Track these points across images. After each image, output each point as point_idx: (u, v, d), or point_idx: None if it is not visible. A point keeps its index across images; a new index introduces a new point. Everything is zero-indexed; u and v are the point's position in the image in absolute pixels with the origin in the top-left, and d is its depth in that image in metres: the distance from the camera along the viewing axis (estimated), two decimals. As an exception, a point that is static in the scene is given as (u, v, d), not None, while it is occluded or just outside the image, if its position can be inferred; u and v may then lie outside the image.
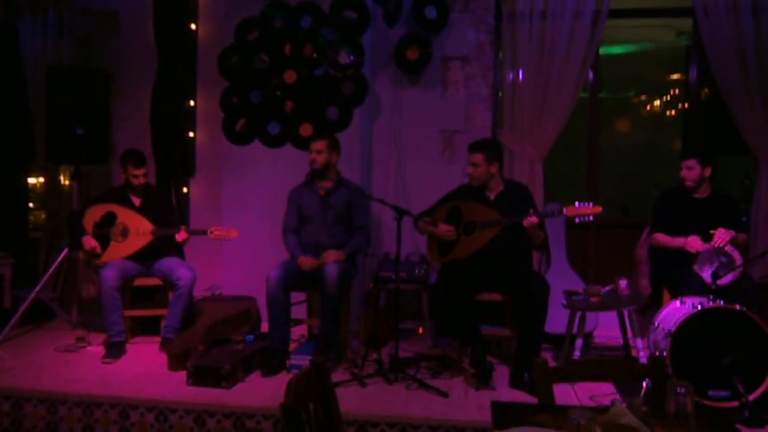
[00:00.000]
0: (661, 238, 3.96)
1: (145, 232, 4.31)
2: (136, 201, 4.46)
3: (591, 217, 3.62)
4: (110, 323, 4.15)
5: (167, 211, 4.59)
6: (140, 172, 4.37)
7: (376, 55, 5.06)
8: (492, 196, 3.98)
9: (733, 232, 3.71)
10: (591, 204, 3.63)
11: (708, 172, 3.90)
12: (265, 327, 4.32)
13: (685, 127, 5.44)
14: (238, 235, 4.28)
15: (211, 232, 4.27)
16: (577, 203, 3.65)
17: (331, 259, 3.94)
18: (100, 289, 4.17)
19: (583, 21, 4.76)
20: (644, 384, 2.73)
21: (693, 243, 3.76)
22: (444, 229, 3.96)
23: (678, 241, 3.84)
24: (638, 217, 5.31)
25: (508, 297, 3.91)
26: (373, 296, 4.42)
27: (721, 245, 3.67)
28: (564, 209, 3.65)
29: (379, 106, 5.10)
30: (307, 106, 4.95)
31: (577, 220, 3.65)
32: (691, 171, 3.90)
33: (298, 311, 4.47)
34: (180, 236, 4.29)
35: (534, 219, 3.66)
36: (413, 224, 4.08)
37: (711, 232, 3.74)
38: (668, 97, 7.03)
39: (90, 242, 4.28)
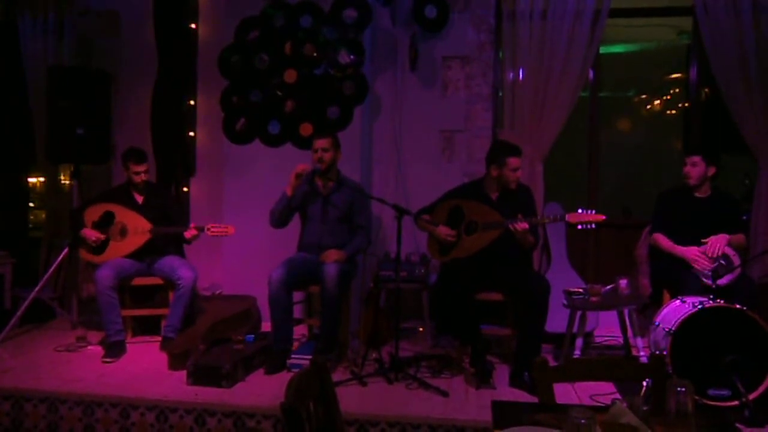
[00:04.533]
0: (663, 242, 3.95)
1: (143, 231, 4.31)
2: (139, 198, 4.48)
3: (593, 225, 3.62)
4: (108, 323, 4.15)
5: (172, 207, 4.60)
6: (141, 168, 4.38)
7: (377, 54, 5.05)
8: (494, 197, 3.98)
9: (726, 237, 3.71)
10: (593, 212, 3.62)
11: (711, 171, 3.89)
12: (265, 326, 4.33)
13: (686, 127, 5.44)
14: (235, 232, 4.28)
15: (208, 230, 4.27)
16: (579, 210, 3.64)
17: (332, 258, 3.94)
18: (96, 290, 4.18)
19: (583, 20, 4.75)
20: (644, 383, 2.74)
21: (696, 257, 3.76)
22: (444, 231, 3.95)
23: (679, 250, 3.84)
24: (638, 217, 5.31)
25: (509, 296, 3.90)
26: (374, 296, 4.42)
27: (717, 255, 3.68)
28: (566, 216, 3.65)
29: (379, 105, 5.10)
30: (308, 105, 4.95)
31: (579, 226, 3.65)
32: (695, 167, 3.89)
33: (299, 311, 4.47)
34: (189, 233, 4.29)
35: (524, 225, 3.66)
36: (413, 221, 4.08)
37: (703, 240, 3.75)
38: (668, 97, 7.02)
39: (92, 234, 4.29)
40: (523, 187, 4.10)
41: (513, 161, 3.86)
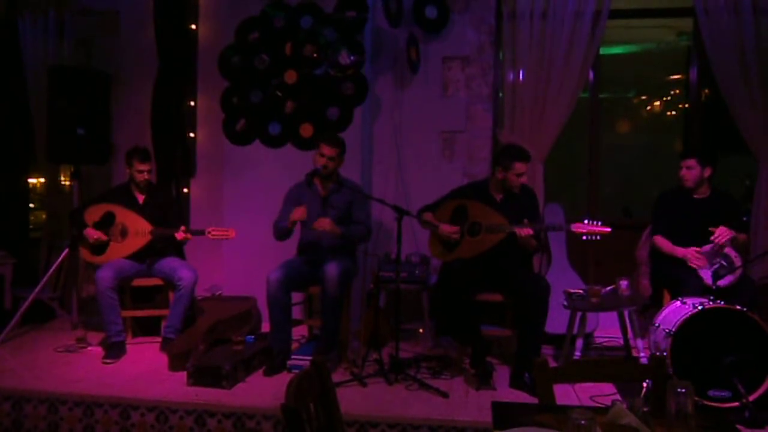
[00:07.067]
0: (663, 243, 3.95)
1: (144, 232, 4.31)
2: (140, 198, 4.48)
3: (598, 237, 3.62)
4: (108, 324, 4.15)
5: (171, 209, 4.60)
6: (145, 167, 4.39)
7: (377, 55, 5.05)
8: (499, 198, 3.97)
9: (734, 232, 3.70)
10: (599, 223, 3.63)
11: (708, 172, 3.89)
12: (265, 327, 4.33)
13: (686, 128, 5.44)
14: (236, 235, 4.28)
15: (208, 233, 4.27)
16: (585, 221, 3.65)
17: (326, 225, 3.90)
18: (96, 291, 4.18)
19: (583, 21, 4.76)
20: (645, 384, 2.74)
21: (692, 255, 3.75)
22: (448, 229, 3.94)
23: (678, 251, 3.84)
24: (639, 218, 5.31)
25: (509, 297, 3.90)
26: (374, 296, 4.42)
27: (720, 242, 3.66)
28: (571, 226, 3.66)
29: (379, 106, 5.10)
30: (308, 106, 4.95)
31: (584, 237, 3.65)
32: (691, 171, 3.89)
33: (298, 312, 4.47)
34: (179, 235, 4.29)
35: (528, 231, 3.67)
36: (416, 218, 4.05)
37: (711, 229, 3.72)
38: (669, 98, 7.02)
39: (93, 234, 4.29)
40: (528, 191, 4.07)
41: (519, 166, 3.85)
